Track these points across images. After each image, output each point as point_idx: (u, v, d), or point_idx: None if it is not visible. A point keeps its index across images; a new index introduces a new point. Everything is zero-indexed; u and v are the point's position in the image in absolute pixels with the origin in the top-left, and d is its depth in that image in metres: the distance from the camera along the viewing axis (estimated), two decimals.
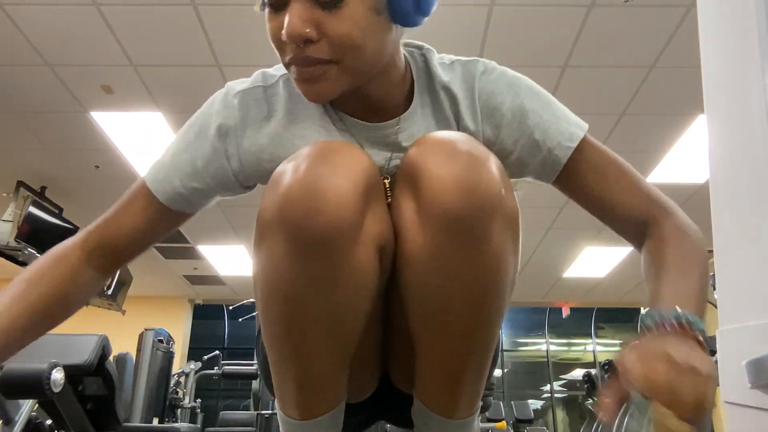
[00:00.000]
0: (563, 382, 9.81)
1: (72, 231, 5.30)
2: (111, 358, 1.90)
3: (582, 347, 10.32)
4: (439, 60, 0.91)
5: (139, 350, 3.69)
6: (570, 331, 10.03)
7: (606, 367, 4.46)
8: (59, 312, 0.88)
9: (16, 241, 4.71)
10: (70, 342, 1.80)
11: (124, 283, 6.59)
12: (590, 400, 5.10)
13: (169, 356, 3.90)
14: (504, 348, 9.82)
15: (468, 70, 0.90)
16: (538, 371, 9.85)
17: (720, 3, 0.74)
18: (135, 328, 4.16)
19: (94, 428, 1.92)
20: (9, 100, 3.98)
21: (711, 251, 0.78)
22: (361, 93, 0.83)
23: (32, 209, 4.86)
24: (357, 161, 0.75)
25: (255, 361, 5.06)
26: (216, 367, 5.09)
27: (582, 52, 3.50)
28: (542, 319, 9.67)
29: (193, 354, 7.59)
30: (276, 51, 0.80)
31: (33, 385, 1.58)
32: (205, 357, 5.33)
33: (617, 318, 9.73)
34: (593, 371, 5.11)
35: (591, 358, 9.73)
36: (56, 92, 3.88)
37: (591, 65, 3.62)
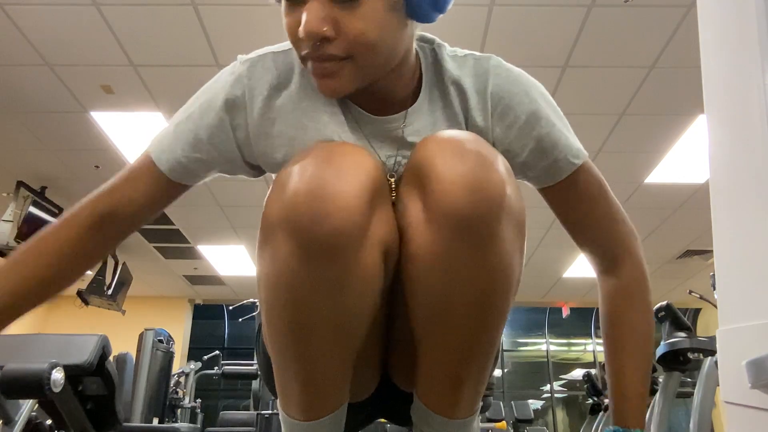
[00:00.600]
0: (563, 382, 9.81)
1: None
2: (111, 358, 1.89)
3: (582, 347, 10.32)
4: (452, 53, 0.91)
5: (139, 350, 3.69)
6: (570, 331, 10.03)
7: (606, 367, 4.46)
8: (65, 275, 0.89)
9: (16, 241, 4.71)
10: (70, 342, 1.80)
11: (124, 283, 6.60)
12: (590, 400, 5.10)
13: (169, 356, 3.90)
14: (504, 348, 9.82)
15: (481, 66, 0.89)
16: (538, 371, 9.85)
17: (720, 3, 0.74)
18: (135, 328, 4.17)
19: (94, 428, 1.92)
20: (9, 100, 3.98)
21: (711, 251, 0.79)
22: (370, 86, 0.83)
23: (32, 209, 4.87)
24: (363, 163, 0.75)
25: (255, 361, 5.06)
26: (216, 367, 5.10)
27: (582, 52, 3.50)
28: (542, 319, 9.67)
29: (193, 354, 7.59)
30: (292, 45, 0.81)
31: (33, 385, 1.58)
32: (205, 357, 5.34)
33: None
34: (593, 371, 5.11)
35: (591, 358, 9.74)
36: (56, 92, 3.88)
37: (591, 65, 3.62)
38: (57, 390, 1.61)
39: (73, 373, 1.74)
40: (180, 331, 8.16)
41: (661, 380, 3.12)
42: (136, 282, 6.94)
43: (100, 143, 4.48)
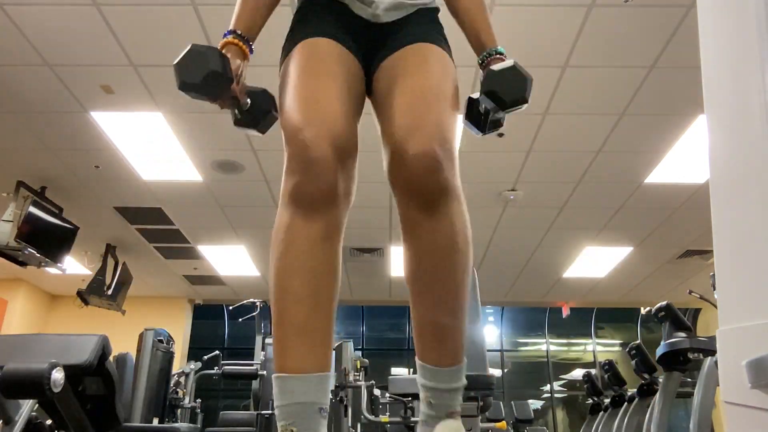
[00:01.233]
0: (563, 382, 9.81)
1: (72, 231, 5.31)
2: (111, 358, 1.89)
3: (582, 347, 10.32)
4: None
5: (139, 350, 3.68)
6: (570, 331, 10.03)
7: (606, 367, 4.47)
8: None
9: (16, 241, 4.72)
10: (70, 342, 1.80)
11: (124, 283, 6.60)
12: (590, 400, 5.10)
13: (169, 356, 3.89)
14: (504, 348, 9.83)
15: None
16: (538, 371, 9.86)
17: (720, 3, 0.74)
18: (135, 328, 4.16)
19: (94, 428, 1.91)
20: (9, 100, 3.98)
21: (711, 251, 0.79)
22: None
23: (32, 209, 4.86)
24: (332, 117, 1.03)
25: (255, 361, 5.07)
26: (216, 367, 5.09)
27: (582, 52, 3.50)
28: (542, 319, 9.67)
29: (193, 354, 7.59)
30: None
31: (33, 385, 1.58)
32: (205, 357, 5.33)
33: (617, 318, 9.74)
34: (593, 371, 5.11)
35: (591, 358, 9.74)
36: (56, 92, 3.89)
37: (591, 65, 3.62)
38: (57, 390, 1.61)
39: (73, 373, 1.73)
40: (180, 331, 8.16)
41: (661, 380, 3.12)
42: (136, 282, 6.94)
43: (100, 143, 4.48)
